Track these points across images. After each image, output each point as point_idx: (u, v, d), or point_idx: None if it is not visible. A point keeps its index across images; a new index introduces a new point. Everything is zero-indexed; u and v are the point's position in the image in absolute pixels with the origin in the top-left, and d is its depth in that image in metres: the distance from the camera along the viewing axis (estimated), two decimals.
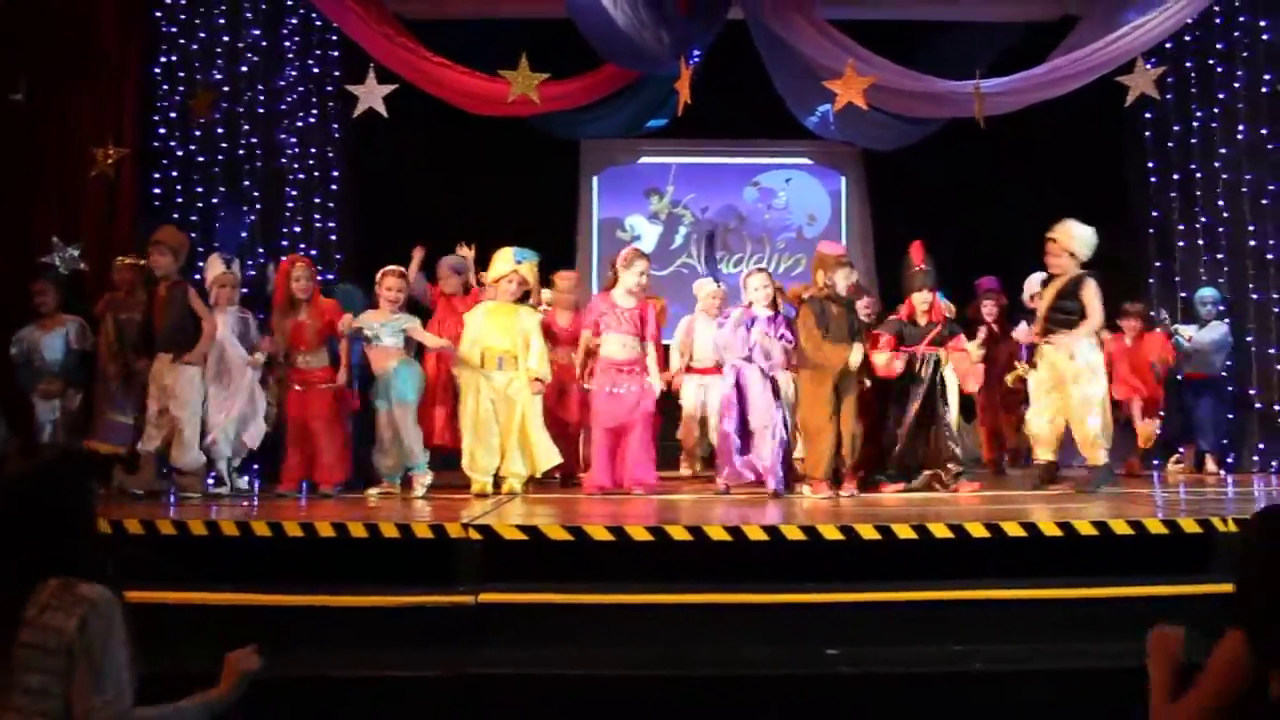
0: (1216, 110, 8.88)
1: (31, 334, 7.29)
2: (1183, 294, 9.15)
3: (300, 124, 9.13)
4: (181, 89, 8.45)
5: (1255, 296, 8.55)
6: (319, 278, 7.25)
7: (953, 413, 7.06)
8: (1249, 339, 8.59)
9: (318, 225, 9.18)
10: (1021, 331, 7.60)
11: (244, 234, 8.55)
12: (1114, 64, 7.93)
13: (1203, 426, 8.57)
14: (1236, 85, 8.69)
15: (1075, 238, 6.88)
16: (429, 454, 7.01)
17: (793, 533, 4.60)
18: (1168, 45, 8.55)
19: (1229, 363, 8.61)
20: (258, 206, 8.75)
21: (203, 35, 8.59)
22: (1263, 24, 8.43)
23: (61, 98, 8.11)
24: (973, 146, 8.95)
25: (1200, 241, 9.10)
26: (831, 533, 4.60)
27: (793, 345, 6.80)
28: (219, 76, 8.65)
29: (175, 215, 8.04)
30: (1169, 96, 8.87)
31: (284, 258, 7.23)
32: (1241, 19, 8.63)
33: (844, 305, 6.74)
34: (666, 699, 4.07)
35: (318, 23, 9.12)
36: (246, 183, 8.69)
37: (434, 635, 4.24)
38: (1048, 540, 4.64)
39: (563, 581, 4.48)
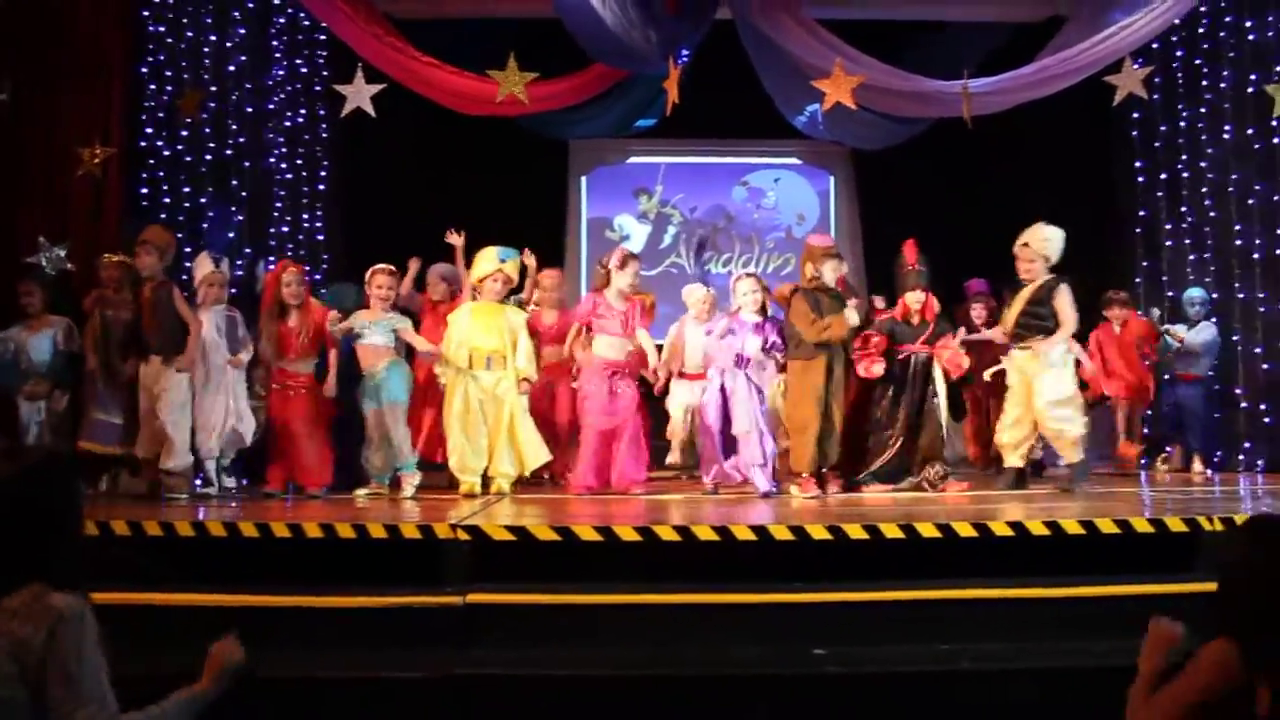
0: (1203, 110, 8.94)
1: (18, 335, 7.26)
2: (1170, 293, 9.19)
3: (288, 124, 9.13)
4: (169, 88, 8.42)
5: (1241, 296, 8.59)
6: (308, 279, 7.24)
7: (943, 412, 7.06)
8: (1235, 338, 8.63)
9: (305, 225, 9.16)
10: (996, 333, 7.48)
11: (231, 234, 8.53)
12: (1102, 64, 7.95)
13: (1190, 426, 8.61)
14: (1223, 85, 8.74)
15: (1049, 240, 6.78)
16: (417, 455, 7.01)
17: (780, 532, 4.60)
18: (1155, 45, 8.59)
19: (1215, 362, 8.65)
20: (245, 206, 8.73)
21: (190, 34, 8.57)
22: (1249, 24, 8.47)
23: (48, 97, 8.06)
24: (961, 146, 8.98)
25: (1187, 241, 9.16)
26: (819, 532, 4.60)
27: (782, 352, 6.80)
28: (206, 76, 8.62)
29: (162, 215, 8.01)
30: (1156, 96, 8.91)
31: (276, 262, 7.21)
32: (1228, 19, 8.67)
33: (833, 296, 6.75)
34: (655, 699, 4.07)
35: (306, 22, 9.11)
36: (234, 182, 8.67)
37: (422, 636, 4.23)
38: (1035, 539, 4.64)
39: (551, 582, 4.46)
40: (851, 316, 6.60)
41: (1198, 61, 8.94)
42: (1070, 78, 7.99)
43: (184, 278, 7.10)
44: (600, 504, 6.23)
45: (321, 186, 9.26)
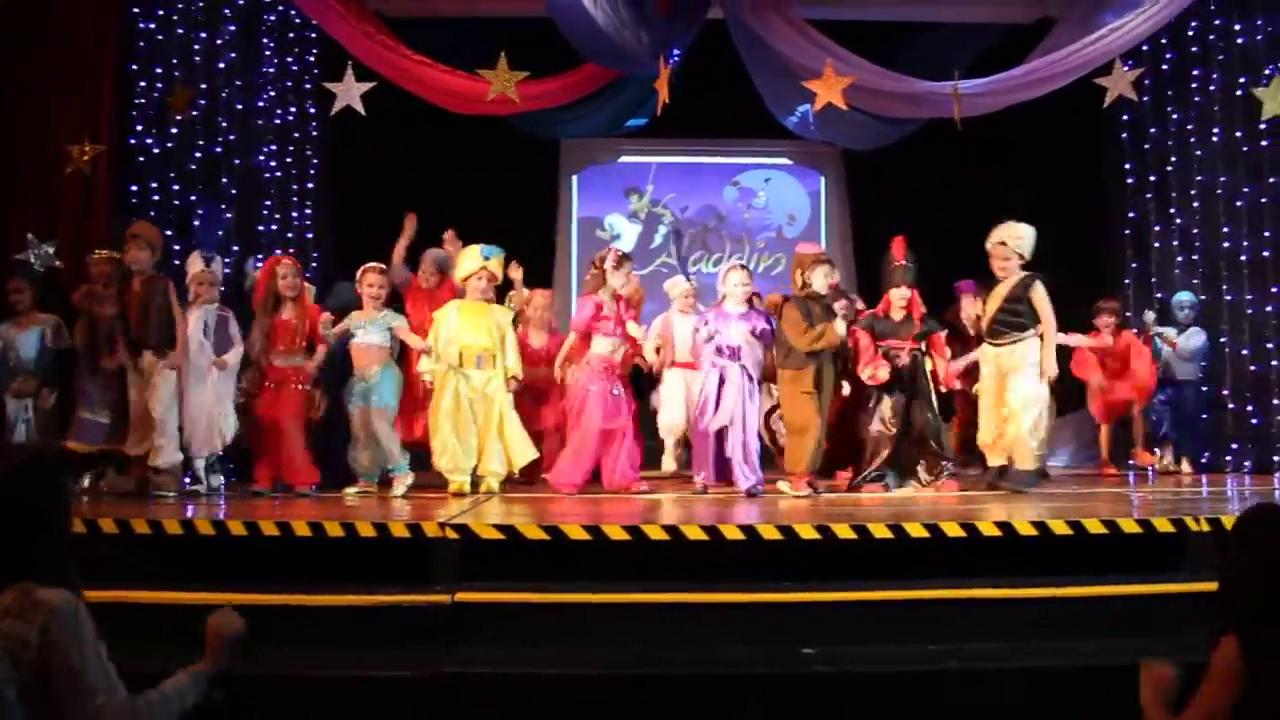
0: (1193, 112, 8.96)
1: (6, 332, 7.23)
2: (1158, 294, 9.21)
3: (278, 121, 9.09)
4: (159, 86, 8.38)
5: (1229, 298, 8.62)
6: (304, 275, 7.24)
7: (934, 411, 7.05)
8: (1223, 340, 8.66)
9: (295, 223, 9.13)
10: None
11: (221, 232, 8.49)
12: (1092, 66, 7.96)
13: (1179, 427, 8.63)
14: (1212, 88, 8.77)
15: (1023, 238, 6.77)
16: (409, 454, 6.99)
17: (769, 532, 4.61)
18: (1145, 48, 8.60)
19: (1203, 364, 8.67)
20: (235, 204, 8.70)
21: (180, 32, 8.51)
22: (1238, 27, 8.50)
23: (37, 94, 8.02)
24: (951, 147, 8.98)
25: (1175, 243, 9.18)
26: (808, 532, 4.61)
27: (770, 340, 6.80)
28: (197, 74, 8.59)
29: (152, 213, 7.96)
30: (1146, 98, 8.92)
31: (266, 257, 7.20)
32: (1218, 22, 8.70)
33: (822, 305, 6.76)
34: (644, 698, 4.07)
35: (296, 20, 9.08)
36: (224, 180, 8.64)
37: (411, 634, 4.23)
38: (1023, 540, 4.66)
39: (540, 581, 4.47)
40: (840, 326, 6.59)
41: (1187, 64, 8.97)
42: (1060, 79, 7.99)
43: (173, 275, 7.06)
44: (589, 503, 6.23)
45: (311, 184, 9.24)
